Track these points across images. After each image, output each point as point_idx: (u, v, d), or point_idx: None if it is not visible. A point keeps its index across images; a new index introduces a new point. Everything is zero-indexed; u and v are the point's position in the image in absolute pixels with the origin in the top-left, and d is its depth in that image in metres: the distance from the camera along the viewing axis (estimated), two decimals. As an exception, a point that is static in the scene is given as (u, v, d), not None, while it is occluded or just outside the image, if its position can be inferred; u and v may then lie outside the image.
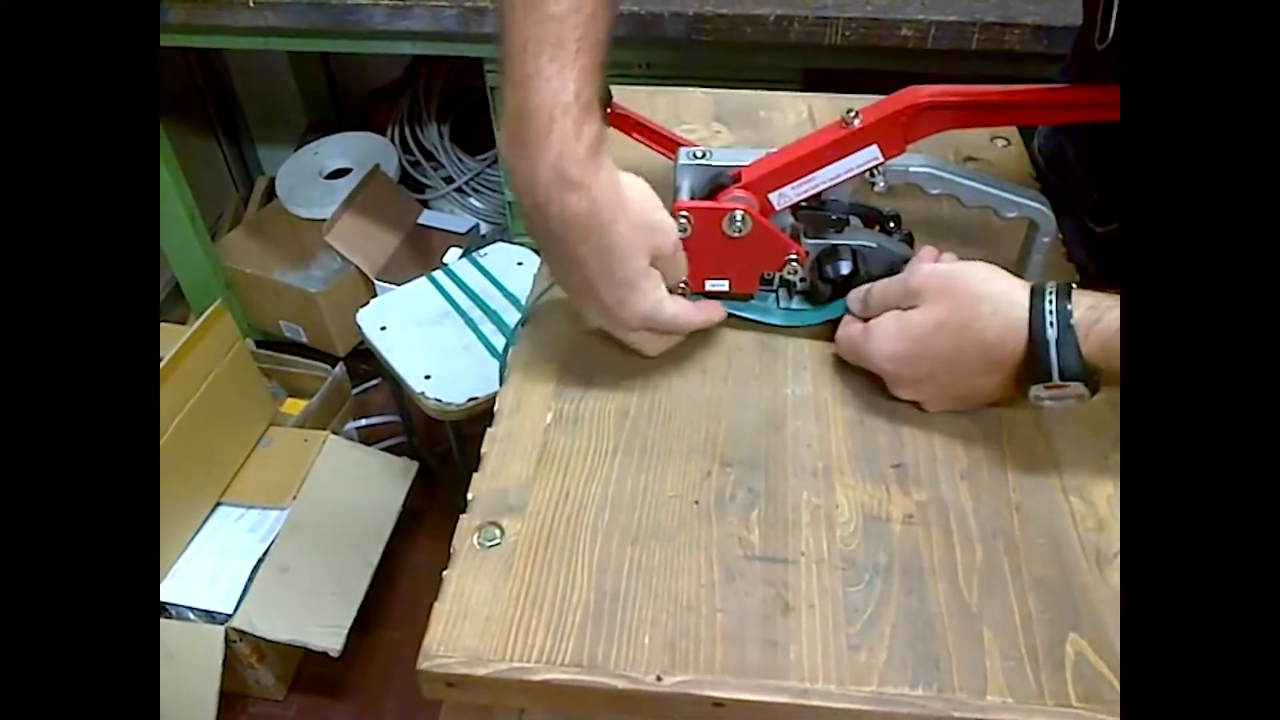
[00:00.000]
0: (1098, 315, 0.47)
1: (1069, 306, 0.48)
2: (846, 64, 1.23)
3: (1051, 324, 0.48)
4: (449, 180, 1.91)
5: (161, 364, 1.26)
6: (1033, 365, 0.48)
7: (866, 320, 0.56)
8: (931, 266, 0.55)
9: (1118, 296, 0.47)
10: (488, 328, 1.35)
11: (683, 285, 0.58)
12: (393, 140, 1.93)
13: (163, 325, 1.58)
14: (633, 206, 0.51)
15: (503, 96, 0.49)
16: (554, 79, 0.47)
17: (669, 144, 0.64)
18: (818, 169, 0.56)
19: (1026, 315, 0.49)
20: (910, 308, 0.53)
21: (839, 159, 0.56)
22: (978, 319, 0.51)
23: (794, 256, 0.58)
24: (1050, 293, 0.49)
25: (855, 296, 0.58)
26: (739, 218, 0.56)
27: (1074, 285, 0.49)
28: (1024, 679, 0.43)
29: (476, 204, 1.92)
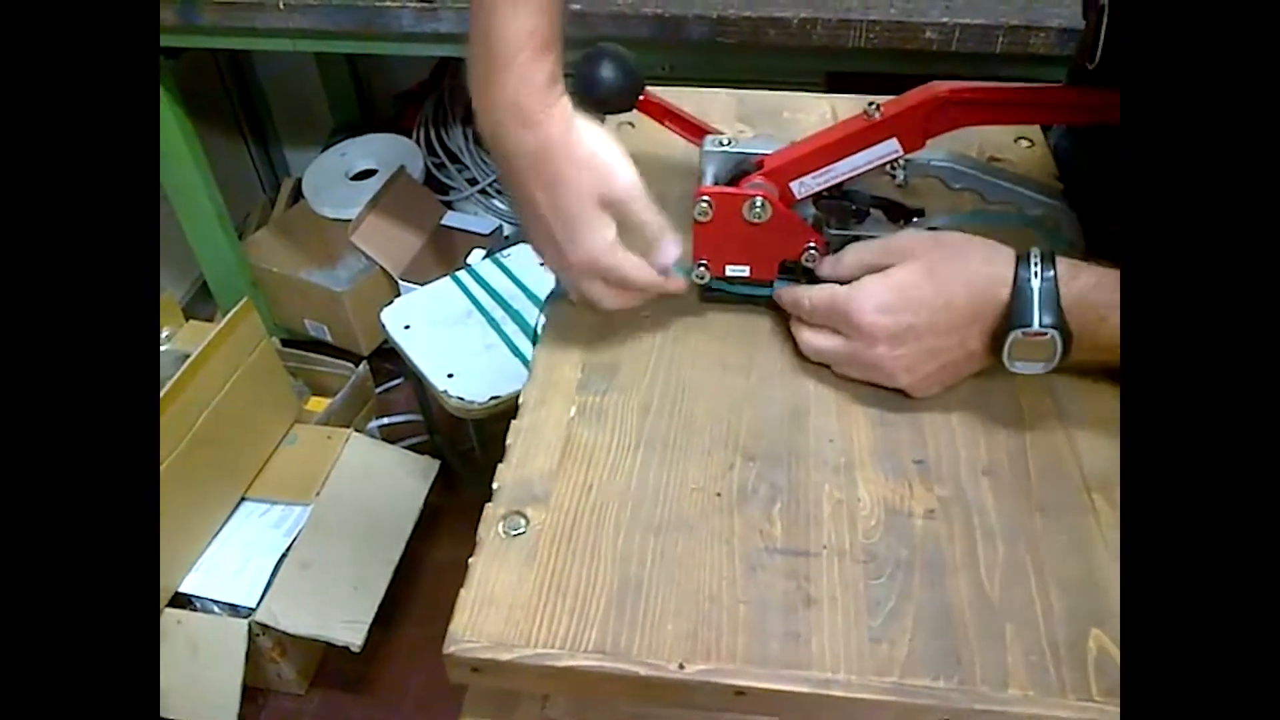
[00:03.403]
0: (1075, 273, 0.51)
1: (1051, 264, 0.51)
2: (870, 67, 1.23)
3: (1036, 274, 0.51)
4: (473, 182, 1.93)
5: (189, 360, 1.28)
6: (1017, 309, 0.51)
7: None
8: (913, 230, 0.57)
9: (1094, 265, 0.52)
10: (510, 327, 1.36)
11: (702, 265, 0.59)
12: (418, 142, 1.95)
13: (190, 322, 1.61)
14: (584, 146, 0.52)
15: (468, 37, 0.51)
16: (509, 17, 0.49)
17: (697, 132, 0.65)
18: (838, 159, 0.57)
19: (1013, 265, 0.52)
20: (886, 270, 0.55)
21: (859, 150, 0.57)
22: (968, 264, 0.53)
23: (813, 245, 0.58)
24: (1034, 252, 0.52)
25: (827, 261, 0.58)
26: (759, 204, 0.56)
27: (1054, 252, 0.52)
28: (1045, 673, 0.43)
29: (500, 205, 1.93)
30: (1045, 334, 0.50)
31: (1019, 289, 0.51)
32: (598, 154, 0.53)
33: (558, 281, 0.65)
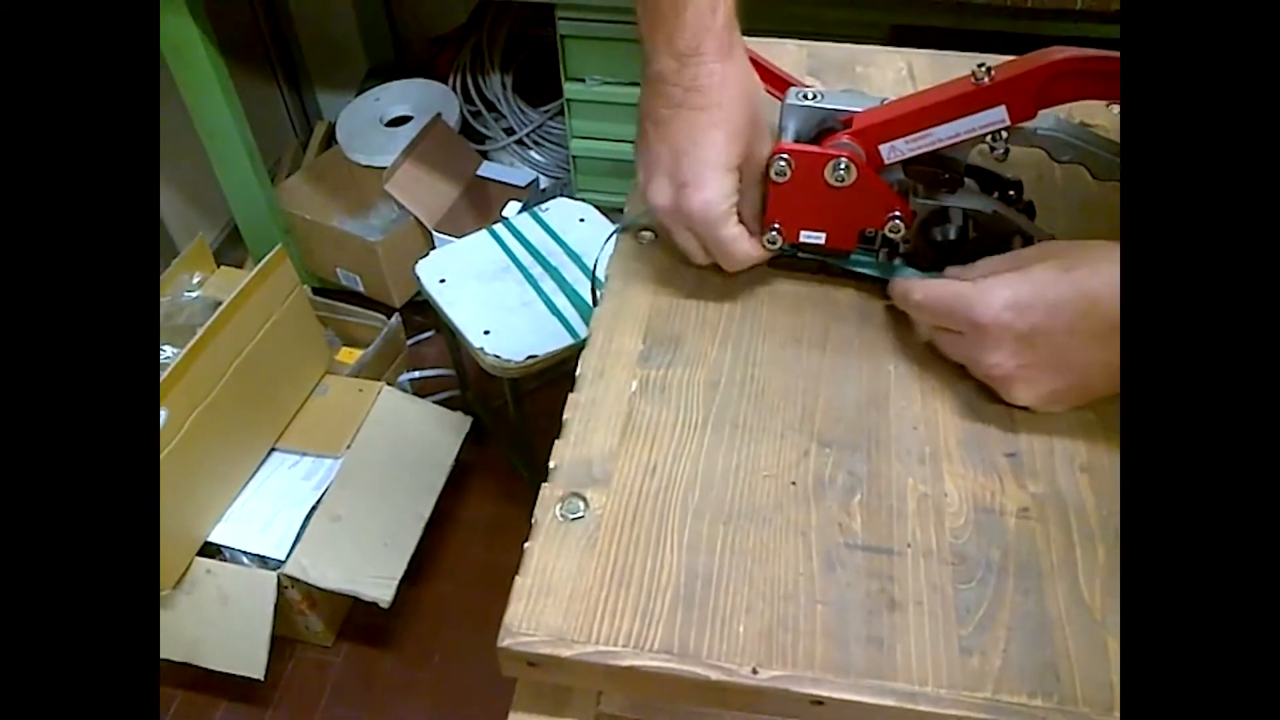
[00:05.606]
0: None
1: None
2: (939, 21, 1.16)
3: None
4: (510, 132, 1.88)
5: (220, 308, 1.25)
6: None
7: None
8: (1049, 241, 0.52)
9: None
10: (548, 285, 1.32)
11: (775, 230, 0.55)
12: (454, 89, 1.89)
13: (222, 268, 1.58)
14: (750, 102, 0.52)
15: None
16: None
17: (780, 83, 0.59)
18: (937, 124, 0.52)
19: None
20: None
21: (961, 116, 0.51)
22: (1110, 262, 0.45)
23: (898, 214, 0.54)
24: None
25: (955, 268, 0.53)
26: (843, 166, 0.52)
27: None
28: (1154, 695, 0.40)
29: (537, 157, 1.88)
30: None
31: None
32: (759, 116, 0.52)
33: (619, 232, 0.61)
